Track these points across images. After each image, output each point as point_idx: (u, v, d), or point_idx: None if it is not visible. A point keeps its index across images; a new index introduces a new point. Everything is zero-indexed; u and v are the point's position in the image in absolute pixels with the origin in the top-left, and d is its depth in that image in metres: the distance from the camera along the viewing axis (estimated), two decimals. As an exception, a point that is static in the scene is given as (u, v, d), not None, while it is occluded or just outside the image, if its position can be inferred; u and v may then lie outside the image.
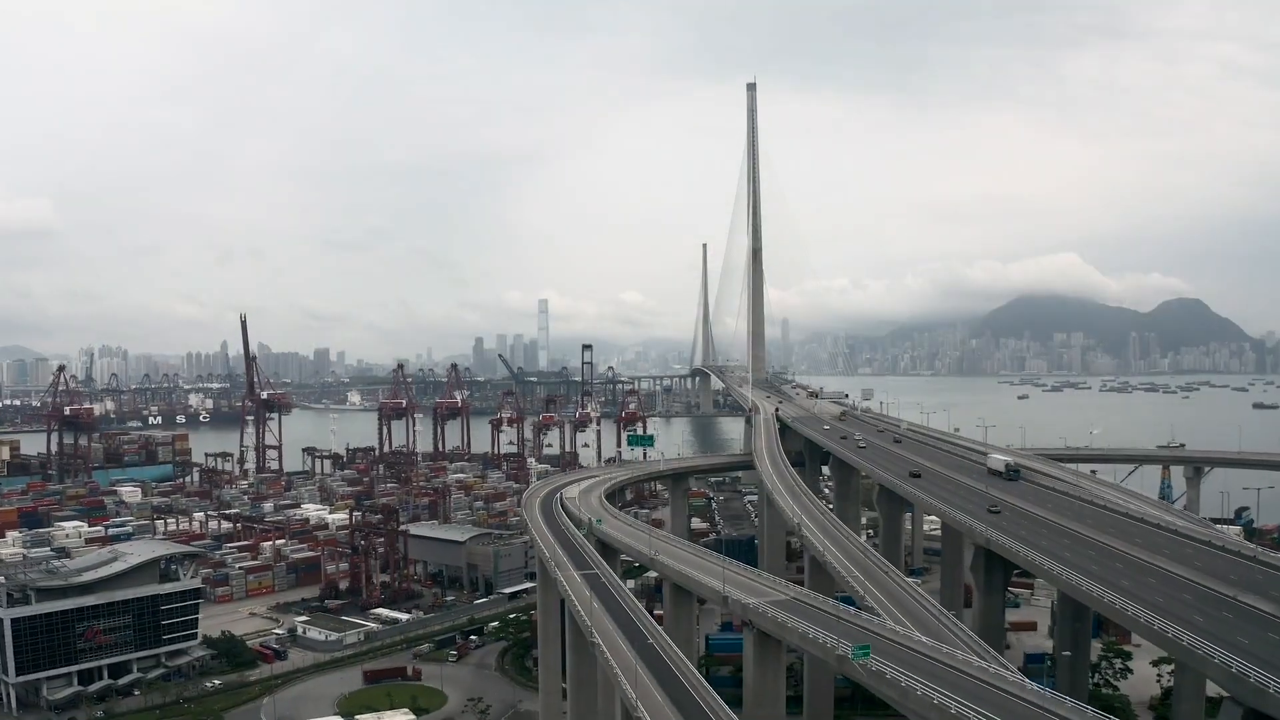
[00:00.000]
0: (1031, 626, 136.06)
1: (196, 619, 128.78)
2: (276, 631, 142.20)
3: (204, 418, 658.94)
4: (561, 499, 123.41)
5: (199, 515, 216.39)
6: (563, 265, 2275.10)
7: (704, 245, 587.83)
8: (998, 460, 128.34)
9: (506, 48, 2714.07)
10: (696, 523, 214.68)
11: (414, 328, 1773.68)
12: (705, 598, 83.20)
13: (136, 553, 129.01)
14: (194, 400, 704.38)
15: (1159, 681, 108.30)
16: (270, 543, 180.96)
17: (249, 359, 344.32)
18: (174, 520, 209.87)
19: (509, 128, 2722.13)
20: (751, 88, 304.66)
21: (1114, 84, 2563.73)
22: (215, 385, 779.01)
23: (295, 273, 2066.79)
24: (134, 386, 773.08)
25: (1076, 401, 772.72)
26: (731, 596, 72.78)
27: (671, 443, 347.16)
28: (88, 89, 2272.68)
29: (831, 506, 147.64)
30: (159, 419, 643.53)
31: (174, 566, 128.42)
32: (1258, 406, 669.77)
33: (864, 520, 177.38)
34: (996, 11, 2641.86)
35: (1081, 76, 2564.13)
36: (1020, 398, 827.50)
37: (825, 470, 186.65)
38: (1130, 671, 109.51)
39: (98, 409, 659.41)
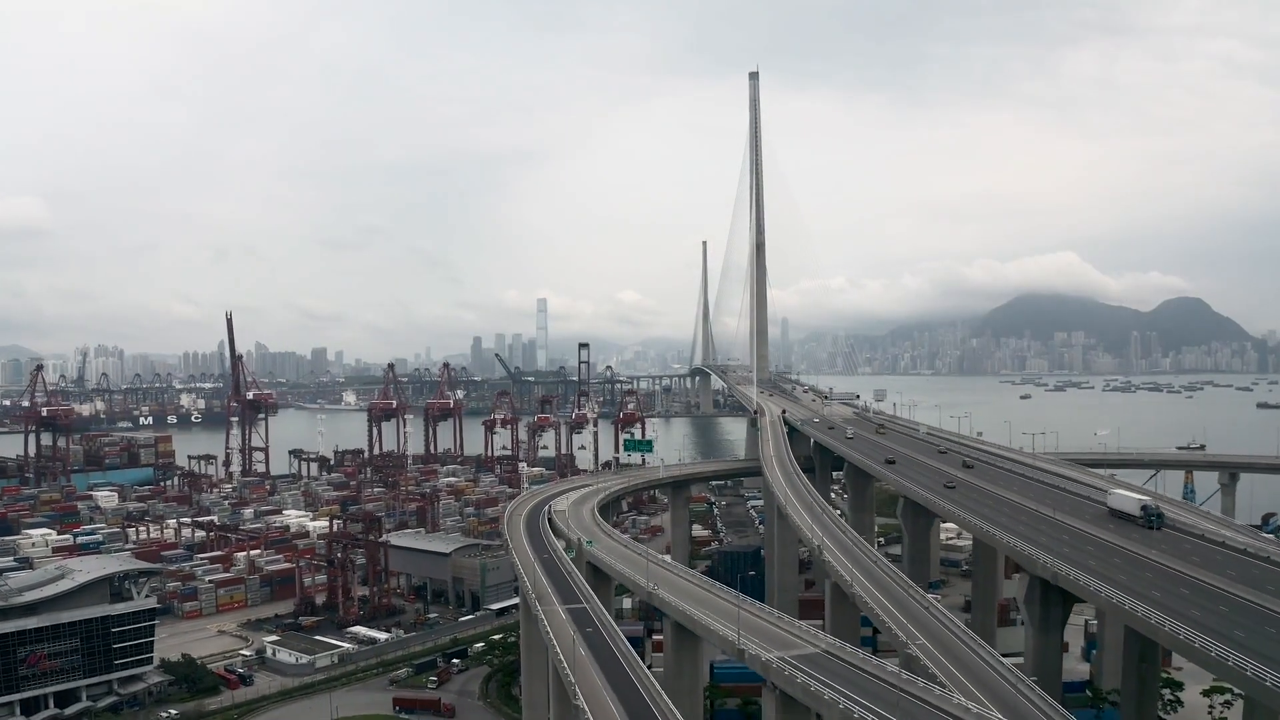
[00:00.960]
0: (1064, 648, 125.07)
1: (152, 641, 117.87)
2: (244, 653, 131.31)
3: (196, 418, 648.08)
4: (550, 513, 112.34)
5: (173, 523, 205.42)
6: (561, 264, 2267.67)
7: (704, 243, 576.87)
8: (1127, 500, 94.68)
9: (503, 47, 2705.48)
10: (698, 529, 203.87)
11: (412, 327, 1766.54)
12: (715, 644, 70.61)
13: (86, 569, 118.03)
14: (186, 400, 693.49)
15: (1210, 713, 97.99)
16: (244, 553, 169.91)
17: (234, 358, 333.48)
18: (145, 528, 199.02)
19: (506, 127, 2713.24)
20: (754, 77, 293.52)
21: (1113, 82, 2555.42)
22: (208, 385, 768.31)
23: (292, 272, 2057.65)
24: (125, 386, 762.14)
25: (1081, 401, 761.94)
26: (749, 650, 61.42)
27: (671, 445, 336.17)
28: (81, 88, 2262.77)
29: (841, 513, 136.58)
30: (150, 419, 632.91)
31: (127, 584, 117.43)
32: (1262, 406, 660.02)
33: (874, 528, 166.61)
34: (994, 9, 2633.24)
35: (1080, 74, 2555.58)
36: (1023, 397, 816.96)
37: (831, 474, 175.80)
38: (1180, 704, 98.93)
39: (87, 409, 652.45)
